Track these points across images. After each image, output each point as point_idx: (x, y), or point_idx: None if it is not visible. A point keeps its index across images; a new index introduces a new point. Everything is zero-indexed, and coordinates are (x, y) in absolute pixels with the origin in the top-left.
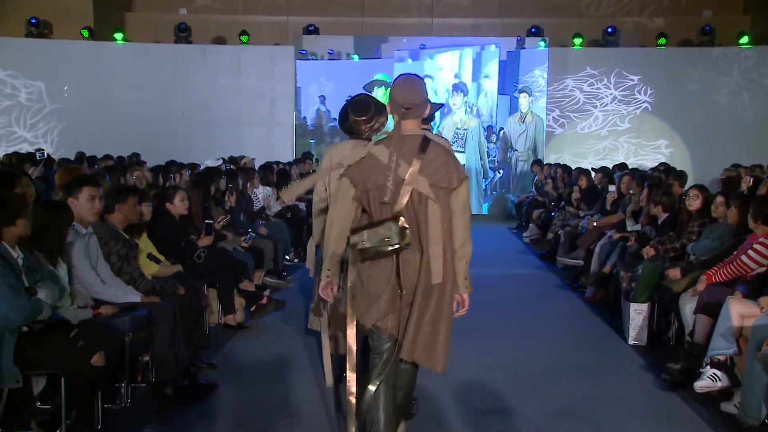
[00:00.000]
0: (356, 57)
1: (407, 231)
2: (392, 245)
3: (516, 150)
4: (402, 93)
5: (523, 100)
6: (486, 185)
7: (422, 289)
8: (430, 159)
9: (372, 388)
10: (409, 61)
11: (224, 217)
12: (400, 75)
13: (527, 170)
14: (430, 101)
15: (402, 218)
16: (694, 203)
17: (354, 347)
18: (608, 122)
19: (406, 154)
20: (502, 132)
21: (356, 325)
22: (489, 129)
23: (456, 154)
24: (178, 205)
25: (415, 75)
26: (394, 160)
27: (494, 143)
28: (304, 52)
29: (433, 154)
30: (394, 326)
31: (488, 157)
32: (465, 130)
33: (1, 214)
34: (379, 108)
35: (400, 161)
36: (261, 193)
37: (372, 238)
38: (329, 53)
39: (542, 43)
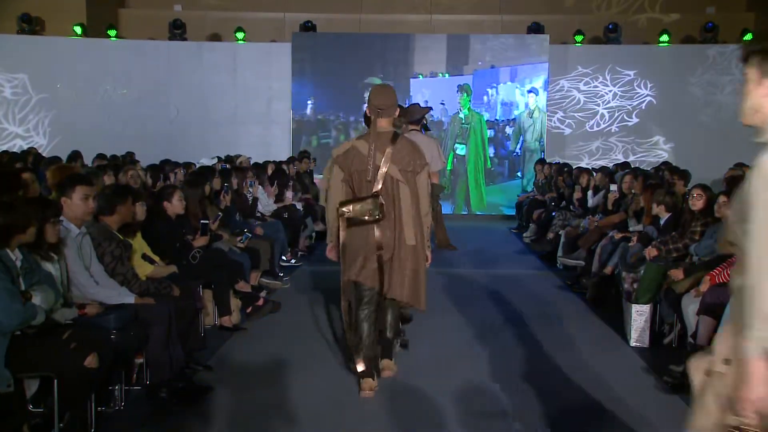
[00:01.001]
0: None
1: (383, 206)
2: (371, 216)
3: (526, 141)
4: (377, 97)
5: (531, 99)
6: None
7: (400, 249)
8: (398, 150)
9: (360, 314)
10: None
11: (218, 216)
12: (376, 84)
13: (535, 157)
14: (422, 106)
15: (380, 196)
16: (697, 203)
17: (348, 288)
18: (616, 119)
19: (380, 147)
20: (515, 124)
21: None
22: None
23: (458, 146)
24: (176, 205)
25: (388, 84)
26: (372, 150)
27: (509, 134)
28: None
29: (400, 145)
30: (372, 279)
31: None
32: (468, 125)
33: (17, 222)
34: (401, 109)
35: (377, 152)
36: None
37: (356, 209)
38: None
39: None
